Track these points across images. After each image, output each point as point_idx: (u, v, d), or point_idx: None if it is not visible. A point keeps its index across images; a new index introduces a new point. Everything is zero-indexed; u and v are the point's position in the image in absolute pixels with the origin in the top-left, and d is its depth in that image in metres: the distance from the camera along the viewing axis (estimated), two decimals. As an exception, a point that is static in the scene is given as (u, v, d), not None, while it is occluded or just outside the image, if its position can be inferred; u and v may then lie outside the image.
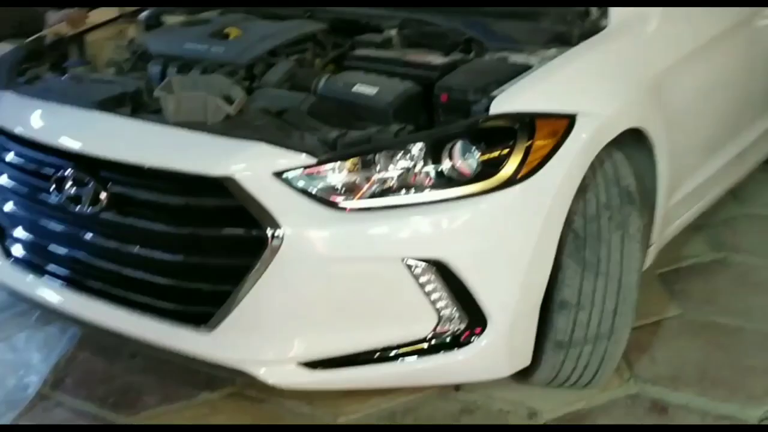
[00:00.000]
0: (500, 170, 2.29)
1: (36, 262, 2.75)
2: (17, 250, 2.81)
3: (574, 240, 2.47)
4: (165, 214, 2.39)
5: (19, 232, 2.77)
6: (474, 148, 2.29)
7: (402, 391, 2.80)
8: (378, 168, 2.29)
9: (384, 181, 2.29)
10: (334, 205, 2.28)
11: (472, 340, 2.37)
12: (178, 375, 2.96)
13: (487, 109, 2.34)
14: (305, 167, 2.29)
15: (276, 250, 2.26)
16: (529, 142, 2.33)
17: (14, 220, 2.77)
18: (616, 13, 2.78)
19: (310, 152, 2.27)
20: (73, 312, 2.65)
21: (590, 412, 2.76)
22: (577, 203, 2.46)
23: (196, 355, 2.44)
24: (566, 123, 2.40)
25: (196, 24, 3.12)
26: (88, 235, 2.54)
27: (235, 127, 2.38)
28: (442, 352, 2.38)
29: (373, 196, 2.29)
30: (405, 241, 2.28)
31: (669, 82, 2.84)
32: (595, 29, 2.75)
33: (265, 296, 2.31)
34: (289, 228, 2.25)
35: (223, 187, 2.29)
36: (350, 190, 2.29)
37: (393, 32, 2.91)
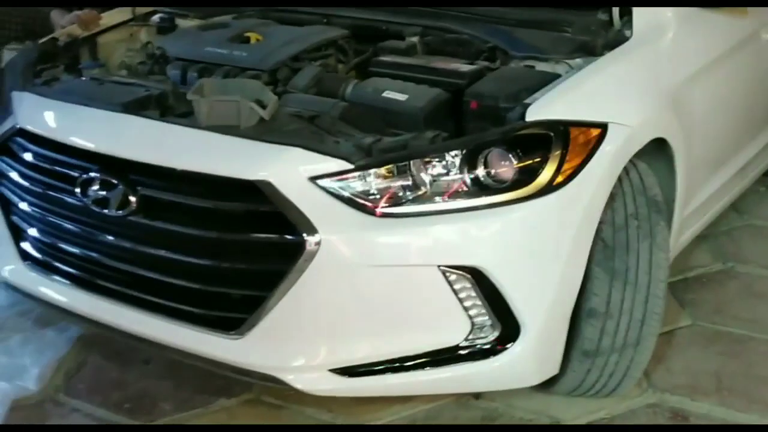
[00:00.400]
0: (536, 178, 2.30)
1: (56, 266, 2.70)
2: (35, 253, 2.76)
3: (603, 249, 2.47)
4: (196, 218, 2.36)
5: (39, 235, 2.72)
6: (510, 155, 2.28)
7: (422, 398, 2.79)
8: (414, 175, 2.28)
9: (420, 187, 2.28)
10: (370, 212, 2.27)
11: (504, 348, 2.36)
12: (195, 381, 2.92)
13: (522, 116, 2.34)
14: (342, 173, 2.26)
15: (312, 255, 2.24)
16: (564, 151, 2.33)
17: (33, 222, 2.73)
18: (639, 23, 2.79)
19: (346, 158, 2.26)
20: (97, 317, 2.61)
21: (612, 421, 2.76)
22: (606, 213, 2.46)
23: (225, 360, 2.41)
24: (599, 132, 2.41)
25: (214, 28, 3.08)
26: (115, 239, 2.50)
27: (268, 131, 2.36)
28: (474, 360, 2.37)
29: (408, 202, 2.28)
30: (441, 248, 2.27)
31: (687, 92, 2.87)
32: (619, 40, 2.77)
33: (298, 302, 2.29)
34: (326, 234, 2.24)
35: (258, 192, 2.27)
36: (386, 196, 2.27)
37: (415, 39, 2.90)
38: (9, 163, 2.74)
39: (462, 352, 2.37)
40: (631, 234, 2.52)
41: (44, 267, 2.74)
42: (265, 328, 2.34)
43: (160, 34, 3.34)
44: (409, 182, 2.29)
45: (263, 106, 2.39)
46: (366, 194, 2.28)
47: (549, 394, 2.77)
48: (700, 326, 3.25)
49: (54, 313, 3.11)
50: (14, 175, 2.71)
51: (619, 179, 2.50)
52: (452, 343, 2.36)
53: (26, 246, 2.78)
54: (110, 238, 2.52)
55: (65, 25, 3.39)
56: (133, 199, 2.41)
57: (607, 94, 2.54)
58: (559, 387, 2.66)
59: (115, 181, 2.42)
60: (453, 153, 2.29)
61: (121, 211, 2.42)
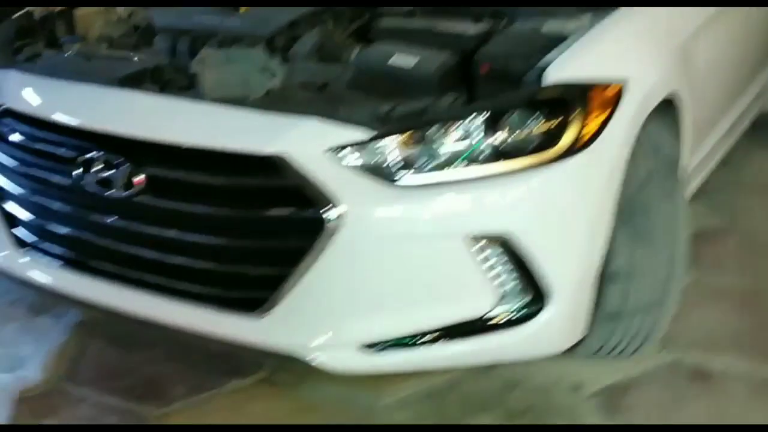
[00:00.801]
0: (558, 141, 2.23)
1: (54, 251, 2.59)
2: (31, 239, 2.63)
3: (624, 210, 2.42)
4: (209, 196, 2.26)
5: (34, 220, 2.60)
6: (532, 118, 2.21)
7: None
8: (435, 141, 2.20)
9: (441, 155, 2.20)
10: (392, 182, 2.18)
11: (532, 316, 2.30)
12: (203, 364, 2.85)
13: (540, 78, 2.26)
14: (361, 143, 2.18)
15: (335, 230, 2.16)
16: (585, 112, 2.27)
17: (27, 206, 2.60)
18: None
19: (365, 126, 2.17)
20: (103, 302, 2.50)
21: (634, 382, 2.73)
22: (626, 172, 2.40)
23: (245, 342, 2.33)
24: (617, 91, 2.35)
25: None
26: (121, 221, 2.39)
27: (279, 102, 2.27)
28: (502, 330, 2.30)
29: (430, 171, 2.20)
30: (467, 216, 2.20)
31: (693, 46, 2.82)
32: None
33: (321, 278, 2.21)
34: (349, 206, 2.15)
35: (274, 166, 2.17)
36: (407, 165, 2.20)
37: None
38: (-3, 145, 2.61)
39: (490, 322, 2.30)
40: (650, 193, 2.47)
41: (42, 253, 2.62)
42: (286, 306, 2.26)
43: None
44: (430, 150, 2.20)
45: (272, 76, 2.28)
46: (386, 164, 2.19)
47: (568, 359, 2.72)
48: (705, 283, 3.23)
49: (51, 300, 3.03)
50: (3, 158, 2.58)
51: (637, 138, 2.44)
52: (479, 314, 2.29)
53: (20, 231, 2.65)
54: (115, 220, 2.40)
55: None
56: (138, 178, 2.29)
57: (623, 51, 2.49)
58: (581, 351, 2.60)
59: (117, 161, 2.31)
60: (476, 118, 2.20)
61: (125, 192, 2.31)
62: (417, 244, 2.20)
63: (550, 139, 2.22)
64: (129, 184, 2.31)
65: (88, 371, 2.86)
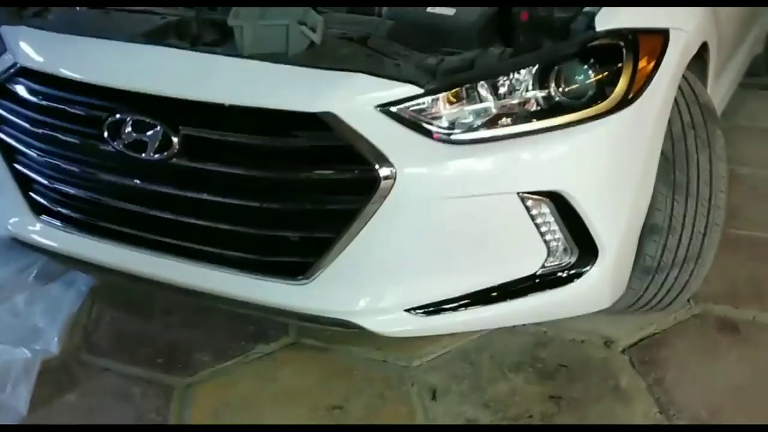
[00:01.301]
0: (612, 92, 2.16)
1: (77, 218, 2.47)
2: (50, 205, 2.51)
3: (664, 162, 2.38)
4: (251, 157, 2.16)
5: (55, 185, 2.47)
6: (586, 69, 2.15)
7: (471, 329, 2.68)
8: (486, 96, 2.12)
9: (492, 109, 2.12)
10: (443, 139, 2.11)
11: (582, 273, 2.26)
12: (224, 329, 2.78)
13: (589, 26, 2.18)
14: (411, 98, 2.09)
15: (386, 190, 2.08)
16: (635, 61, 2.20)
17: (46, 171, 2.47)
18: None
19: (416, 82, 2.08)
20: (131, 269, 2.40)
21: (665, 335, 2.73)
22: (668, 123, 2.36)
23: (290, 308, 2.26)
24: (662, 39, 2.29)
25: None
26: (154, 185, 2.27)
27: (321, 57, 2.15)
28: (552, 288, 2.26)
29: (482, 127, 2.12)
30: (520, 173, 2.14)
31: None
32: None
33: (371, 241, 2.14)
34: (401, 166, 2.07)
35: (321, 124, 2.08)
36: (458, 121, 2.11)
37: None
38: (9, 107, 2.46)
39: (539, 280, 2.26)
40: (689, 145, 2.43)
41: (62, 219, 2.50)
42: (334, 270, 2.18)
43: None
44: (481, 104, 2.12)
45: (311, 29, 2.17)
46: (437, 120, 2.11)
47: (597, 314, 2.69)
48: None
49: (60, 267, 2.90)
50: (18, 120, 2.44)
51: (678, 87, 2.39)
52: (529, 272, 2.25)
53: (38, 197, 2.52)
54: (148, 184, 2.28)
55: None
56: (174, 140, 2.18)
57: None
58: (614, 305, 2.57)
59: (151, 122, 2.19)
60: (528, 70, 2.13)
61: (160, 155, 2.20)
62: (469, 202, 2.13)
63: (602, 90, 2.15)
64: (163, 146, 2.19)
65: (106, 340, 2.76)
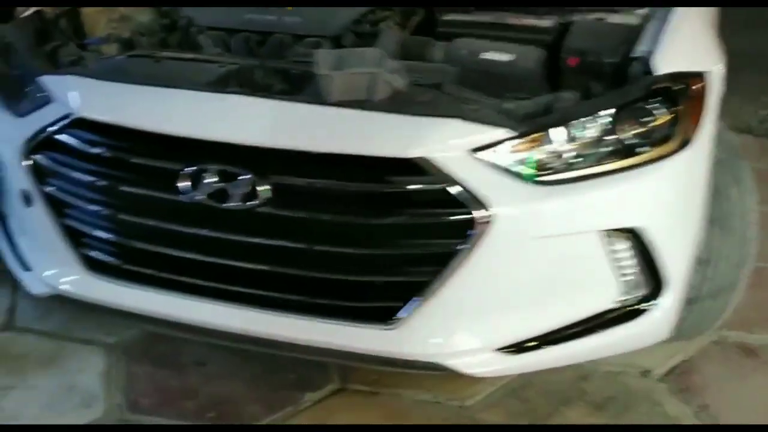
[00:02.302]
0: (676, 132, 2.27)
1: (140, 272, 2.38)
2: (109, 259, 2.41)
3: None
4: (342, 204, 2.15)
5: (114, 239, 2.38)
6: (653, 111, 2.25)
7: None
8: (570, 138, 2.20)
9: (576, 151, 2.20)
10: (532, 181, 2.17)
11: (652, 305, 2.34)
12: (264, 379, 2.74)
13: (647, 71, 2.29)
14: (502, 142, 2.14)
15: (483, 232, 2.11)
16: (689, 102, 2.32)
17: (105, 225, 2.37)
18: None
19: (508, 126, 2.14)
20: (199, 322, 2.34)
21: (692, 362, 2.84)
22: None
23: (378, 353, 2.24)
24: (704, 81, 2.42)
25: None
26: (235, 235, 2.23)
27: (406, 104, 2.18)
28: (627, 321, 2.33)
29: (567, 168, 2.19)
30: (602, 212, 2.21)
31: None
32: None
33: (464, 283, 2.16)
34: (496, 207, 2.11)
35: (416, 169, 2.10)
36: (547, 163, 2.18)
37: None
38: (60, 160, 2.36)
39: (616, 314, 2.33)
40: (720, 180, 2.56)
41: (119, 273, 2.40)
42: (426, 313, 2.19)
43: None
44: (565, 146, 2.19)
45: (394, 75, 2.20)
46: (526, 163, 2.16)
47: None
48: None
49: (74, 325, 2.83)
50: (72, 173, 2.34)
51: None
52: (606, 307, 2.32)
53: (92, 252, 2.42)
54: (227, 234, 2.24)
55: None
56: (263, 189, 2.15)
57: (700, 43, 2.56)
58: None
59: (239, 171, 2.15)
60: (606, 112, 2.21)
61: (245, 204, 2.16)
62: (555, 243, 2.19)
63: (669, 130, 2.26)
64: (250, 195, 2.15)
65: (145, 397, 2.66)
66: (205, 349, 2.78)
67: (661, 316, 2.37)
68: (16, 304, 3.05)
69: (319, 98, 2.18)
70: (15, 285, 3.03)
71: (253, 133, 2.16)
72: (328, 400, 2.66)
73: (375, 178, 2.13)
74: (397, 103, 2.17)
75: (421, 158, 2.10)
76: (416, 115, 2.14)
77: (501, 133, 2.14)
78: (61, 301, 2.51)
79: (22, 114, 2.48)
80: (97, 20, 2.93)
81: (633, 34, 2.50)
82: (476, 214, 2.11)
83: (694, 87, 2.35)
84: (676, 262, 2.34)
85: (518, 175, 2.16)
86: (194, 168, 2.18)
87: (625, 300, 2.33)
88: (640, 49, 2.40)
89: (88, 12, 2.91)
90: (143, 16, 2.96)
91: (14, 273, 2.67)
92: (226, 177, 2.17)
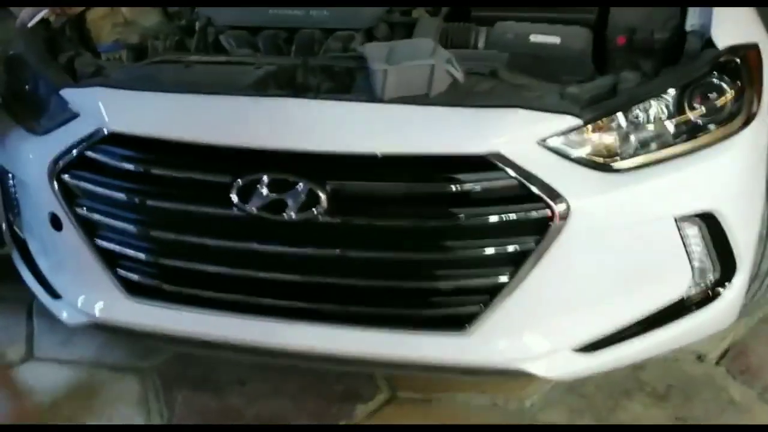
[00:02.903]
0: (742, 108, 2.18)
1: (188, 293, 2.23)
2: (152, 282, 2.25)
3: None
4: (408, 207, 2.03)
5: (157, 260, 2.22)
6: (720, 86, 2.16)
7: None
8: (638, 121, 2.10)
9: (647, 134, 2.10)
10: (606, 168, 2.06)
11: (723, 290, 2.25)
12: (310, 393, 2.60)
13: (707, 45, 2.20)
14: (570, 130, 2.03)
15: (561, 226, 2.00)
16: (750, 75, 2.23)
17: (147, 245, 2.21)
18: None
19: (575, 113, 2.03)
20: (253, 342, 2.20)
21: (744, 343, 2.76)
22: None
23: (453, 363, 2.13)
24: (758, 53, 2.34)
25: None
26: (294, 247, 2.09)
27: (465, 95, 2.06)
28: (699, 308, 2.24)
29: (638, 152, 2.09)
30: (678, 196, 2.11)
31: None
32: None
33: (542, 281, 2.05)
34: (573, 199, 2.00)
35: (488, 165, 1.98)
36: (617, 148, 2.08)
37: None
38: (92, 178, 2.20)
39: (689, 302, 2.24)
40: None
41: (164, 295, 2.25)
42: (501, 316, 2.08)
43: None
44: (635, 130, 2.09)
45: (451, 66, 2.08)
46: (599, 149, 2.06)
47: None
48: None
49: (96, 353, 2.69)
50: (108, 191, 2.18)
51: None
52: (679, 296, 2.22)
53: (131, 275, 2.26)
54: (284, 247, 2.09)
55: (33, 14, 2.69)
56: (322, 197, 2.01)
57: (746, 16, 2.47)
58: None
59: (294, 180, 2.01)
60: (672, 92, 2.11)
61: (305, 213, 2.02)
62: (630, 232, 2.09)
63: (736, 106, 2.16)
64: (308, 205, 2.01)
65: (192, 419, 2.52)
66: (243, 368, 2.65)
67: (733, 298, 2.29)
68: (32, 330, 2.88)
69: (372, 95, 2.04)
70: (30, 310, 2.88)
71: (306, 138, 2.03)
72: (381, 410, 2.54)
73: (442, 177, 2.01)
74: (457, 96, 2.05)
75: (491, 153, 1.98)
76: (480, 107, 2.02)
77: (568, 120, 2.03)
78: (97, 329, 2.34)
79: (43, 132, 2.31)
80: (102, 26, 2.76)
81: (676, 8, 2.40)
82: (556, 207, 1.99)
83: (752, 59, 2.26)
84: (747, 241, 2.25)
85: (590, 164, 2.05)
86: (244, 179, 2.03)
87: (697, 286, 2.23)
88: (690, 23, 2.30)
89: (92, 18, 2.73)
90: (149, 19, 2.79)
91: (42, 302, 2.49)
92: (279, 186, 2.03)
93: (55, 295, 2.44)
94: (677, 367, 2.66)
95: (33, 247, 2.52)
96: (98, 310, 2.31)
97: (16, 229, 2.63)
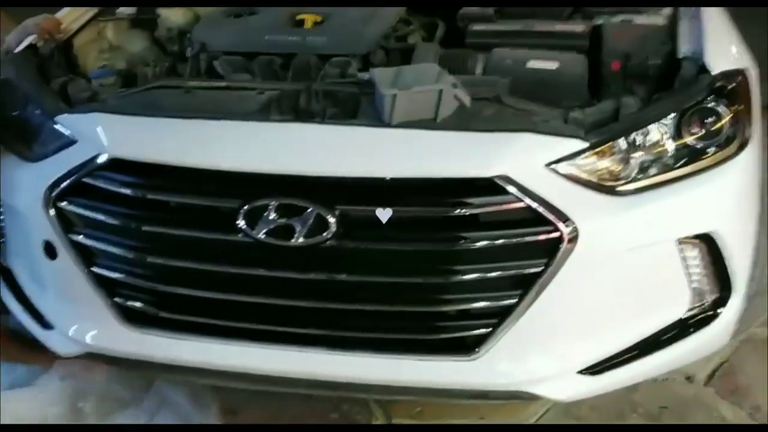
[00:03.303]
0: (738, 131, 2.22)
1: (189, 321, 2.19)
2: (151, 310, 2.21)
3: None
4: (416, 231, 2.02)
5: (156, 287, 2.18)
6: (716, 111, 2.20)
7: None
8: (641, 145, 2.12)
9: (650, 158, 2.13)
10: (611, 191, 2.08)
11: (719, 312, 2.28)
12: (305, 421, 2.58)
13: (699, 71, 2.24)
14: (577, 154, 2.05)
15: (570, 249, 2.02)
16: (743, 99, 2.28)
17: (147, 273, 2.18)
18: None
19: (581, 137, 2.05)
20: (255, 369, 2.17)
21: (731, 363, 2.80)
22: None
23: (460, 386, 2.12)
24: (746, 78, 2.39)
25: (239, 15, 2.65)
26: (301, 273, 2.07)
27: (471, 120, 2.07)
28: (694, 331, 2.26)
29: (641, 176, 2.12)
30: (680, 219, 2.15)
31: None
32: None
33: (549, 304, 2.06)
34: (581, 222, 2.02)
35: (495, 189, 1.99)
36: (621, 172, 2.10)
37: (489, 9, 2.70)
38: (90, 205, 2.16)
39: (687, 324, 2.26)
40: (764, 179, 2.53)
41: (163, 324, 2.21)
42: (509, 340, 2.08)
43: (135, 28, 2.82)
44: (637, 154, 2.12)
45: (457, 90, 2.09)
46: (603, 172, 2.08)
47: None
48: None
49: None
50: (107, 218, 2.14)
51: None
52: (678, 317, 2.25)
53: (129, 303, 2.22)
54: (291, 272, 2.08)
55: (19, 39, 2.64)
56: (330, 221, 2.00)
57: (732, 40, 2.52)
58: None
59: (303, 205, 2.00)
60: (671, 117, 2.14)
61: (313, 239, 2.01)
62: (634, 255, 2.11)
63: (732, 130, 2.20)
64: (316, 230, 2.00)
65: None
66: (237, 396, 2.60)
67: (729, 319, 2.31)
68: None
69: (378, 120, 2.04)
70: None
71: (316, 162, 2.02)
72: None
73: (451, 201, 2.01)
74: (463, 120, 2.06)
75: (500, 176, 1.98)
76: (487, 131, 2.03)
77: (575, 143, 2.05)
78: (91, 358, 2.29)
79: (35, 159, 2.26)
80: (87, 53, 2.73)
81: (667, 34, 2.45)
82: (564, 230, 2.01)
83: (743, 84, 2.30)
84: (743, 263, 2.28)
85: (596, 187, 2.07)
86: (252, 204, 2.01)
87: (695, 308, 2.26)
88: (683, 50, 2.34)
89: (78, 44, 2.70)
90: (135, 44, 2.77)
91: (32, 333, 2.42)
92: (286, 212, 2.01)
93: (46, 325, 2.37)
94: (668, 388, 2.69)
95: (21, 277, 2.45)
96: (93, 338, 2.26)
97: (0, 259, 2.56)
